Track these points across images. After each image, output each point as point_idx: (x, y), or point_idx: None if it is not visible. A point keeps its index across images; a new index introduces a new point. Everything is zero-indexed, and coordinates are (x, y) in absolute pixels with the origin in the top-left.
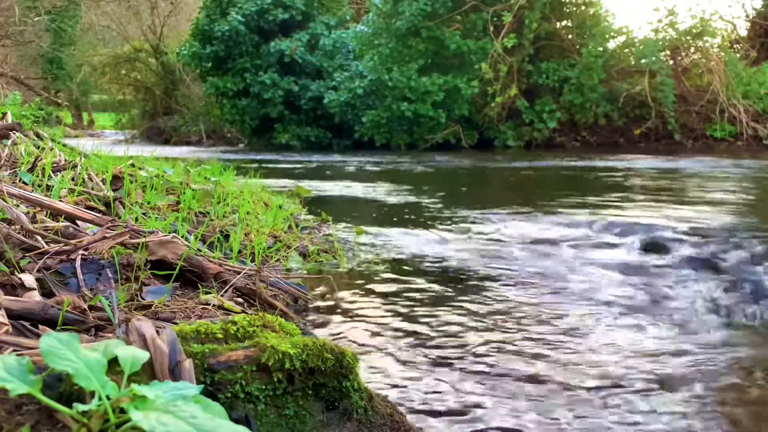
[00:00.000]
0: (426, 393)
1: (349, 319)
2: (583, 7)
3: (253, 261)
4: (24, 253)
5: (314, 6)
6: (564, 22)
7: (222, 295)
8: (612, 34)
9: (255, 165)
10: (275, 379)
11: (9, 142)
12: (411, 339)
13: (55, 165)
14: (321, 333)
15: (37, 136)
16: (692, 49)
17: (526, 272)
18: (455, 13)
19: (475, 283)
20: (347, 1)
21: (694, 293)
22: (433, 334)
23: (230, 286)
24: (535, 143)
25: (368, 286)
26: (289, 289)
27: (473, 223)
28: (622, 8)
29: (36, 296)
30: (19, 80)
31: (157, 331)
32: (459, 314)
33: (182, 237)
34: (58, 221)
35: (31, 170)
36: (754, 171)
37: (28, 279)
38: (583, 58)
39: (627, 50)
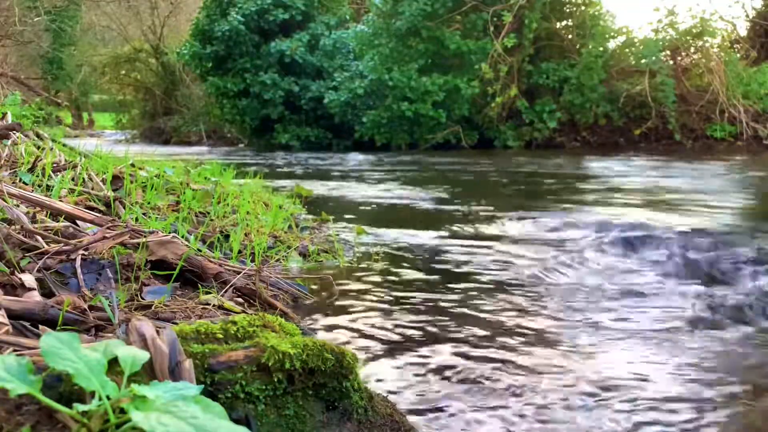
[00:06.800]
0: (426, 393)
1: (349, 319)
2: (583, 7)
3: (253, 261)
4: (24, 253)
5: (314, 6)
6: (564, 22)
7: (222, 295)
8: (612, 34)
9: (255, 165)
10: (275, 379)
11: (9, 142)
12: (412, 339)
13: (55, 165)
14: (321, 333)
15: (38, 136)
16: (692, 49)
17: (530, 273)
18: (455, 13)
19: (477, 283)
20: (347, 1)
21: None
22: (435, 334)
23: (230, 286)
24: (535, 143)
25: (369, 287)
26: (289, 289)
27: (475, 222)
28: (622, 8)
29: (36, 296)
30: (19, 80)
31: (157, 331)
32: (461, 315)
33: (182, 237)
34: (58, 221)
35: (31, 170)
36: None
37: (28, 279)
38: (583, 58)
39: (627, 50)
